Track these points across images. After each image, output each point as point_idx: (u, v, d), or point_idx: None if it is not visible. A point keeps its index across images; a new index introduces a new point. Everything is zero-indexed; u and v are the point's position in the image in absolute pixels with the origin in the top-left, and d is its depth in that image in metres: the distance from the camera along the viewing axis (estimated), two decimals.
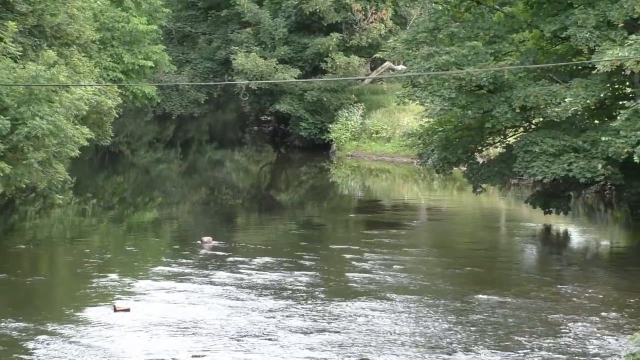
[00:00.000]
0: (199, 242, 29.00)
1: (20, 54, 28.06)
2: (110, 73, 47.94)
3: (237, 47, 58.26)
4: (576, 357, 18.10)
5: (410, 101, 32.88)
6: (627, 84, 30.05)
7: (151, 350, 18.09)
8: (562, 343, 19.00)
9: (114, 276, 24.36)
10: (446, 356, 18.03)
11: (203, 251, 28.04)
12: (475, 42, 29.93)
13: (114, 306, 21.12)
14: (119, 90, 37.74)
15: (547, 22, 30.05)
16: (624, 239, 33.50)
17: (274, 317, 20.57)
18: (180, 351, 18.07)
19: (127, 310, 20.90)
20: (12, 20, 28.62)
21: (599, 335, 19.62)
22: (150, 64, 51.69)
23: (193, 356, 17.84)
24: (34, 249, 28.99)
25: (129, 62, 50.30)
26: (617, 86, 30.42)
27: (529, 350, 18.45)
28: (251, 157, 61.21)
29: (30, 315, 20.25)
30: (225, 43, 62.48)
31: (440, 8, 32.50)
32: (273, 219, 37.91)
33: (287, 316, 20.72)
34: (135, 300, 21.89)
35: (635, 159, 25.96)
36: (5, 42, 27.33)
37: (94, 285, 23.46)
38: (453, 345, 18.80)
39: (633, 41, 25.33)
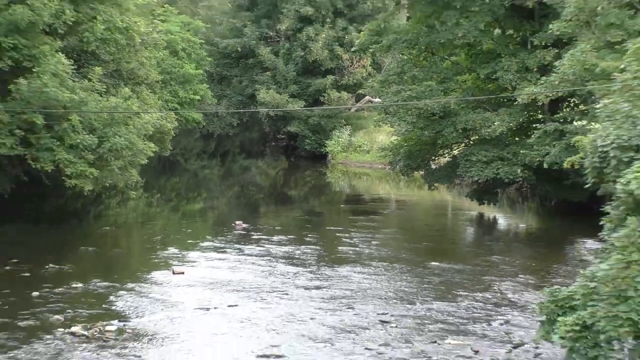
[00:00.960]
0: (233, 224, 29.05)
1: (104, 90, 28.12)
2: (169, 104, 48.01)
3: (259, 86, 58.44)
4: (502, 306, 18.19)
5: (384, 124, 33.08)
6: (539, 112, 30.24)
7: (199, 302, 18.16)
8: (491, 296, 19.10)
9: (172, 249, 24.42)
10: (408, 305, 18.10)
11: (236, 232, 28.08)
12: (430, 82, 30.10)
13: (173, 270, 21.18)
14: (176, 117, 37.81)
15: (482, 67, 30.25)
16: (536, 223, 33.58)
17: (286, 278, 20.65)
18: (221, 302, 18.15)
19: (182, 273, 20.95)
20: (98, 66, 28.73)
21: (518, 290, 19.72)
22: (197, 97, 51.83)
23: (229, 306, 17.91)
24: (115, 230, 29.05)
25: (183, 96, 50.45)
26: (532, 113, 30.63)
27: (467, 301, 18.54)
28: (270, 165, 61.19)
29: (113, 277, 20.32)
30: (251, 83, 62.54)
31: (405, 57, 32.68)
32: (286, 208, 37.95)
33: (296, 277, 20.79)
34: (188, 267, 21.95)
35: (545, 165, 26.16)
36: (93, 82, 27.38)
37: (158, 255, 23.53)
38: (413, 297, 18.88)
39: (544, 81, 25.51)
